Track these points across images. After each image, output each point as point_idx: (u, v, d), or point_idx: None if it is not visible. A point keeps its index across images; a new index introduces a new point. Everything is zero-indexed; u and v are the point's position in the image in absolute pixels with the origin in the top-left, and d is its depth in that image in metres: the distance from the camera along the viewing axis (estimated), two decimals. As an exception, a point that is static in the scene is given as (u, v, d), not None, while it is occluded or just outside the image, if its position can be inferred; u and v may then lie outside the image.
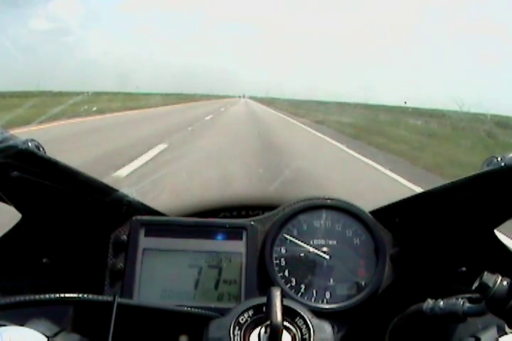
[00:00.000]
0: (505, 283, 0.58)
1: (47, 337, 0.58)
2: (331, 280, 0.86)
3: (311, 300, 0.84)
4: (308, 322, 0.66)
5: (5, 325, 0.57)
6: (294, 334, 0.65)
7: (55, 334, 0.60)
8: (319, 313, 0.71)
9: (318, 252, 0.87)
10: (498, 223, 0.82)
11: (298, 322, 0.66)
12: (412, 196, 0.88)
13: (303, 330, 0.65)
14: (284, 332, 0.63)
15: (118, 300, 0.65)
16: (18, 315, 0.61)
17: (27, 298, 0.61)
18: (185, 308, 0.72)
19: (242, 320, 0.66)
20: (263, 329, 0.64)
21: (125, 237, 0.85)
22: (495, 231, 0.84)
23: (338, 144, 10.32)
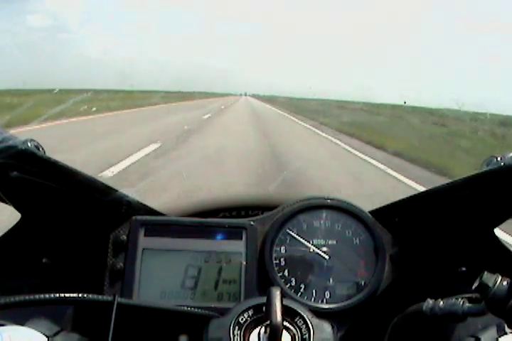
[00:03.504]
0: (505, 283, 0.57)
1: (47, 336, 0.58)
2: (331, 280, 0.86)
3: (310, 299, 0.84)
4: (308, 322, 0.66)
5: (5, 325, 0.57)
6: (294, 334, 0.65)
7: (55, 334, 0.60)
8: (319, 313, 0.71)
9: (318, 252, 0.87)
10: (497, 223, 0.82)
11: (298, 322, 0.66)
12: (412, 196, 0.88)
13: (303, 330, 0.65)
14: (284, 331, 0.63)
15: (118, 299, 0.65)
16: (18, 315, 0.61)
17: (27, 297, 0.61)
18: (185, 308, 0.72)
19: (242, 319, 0.66)
20: (263, 329, 0.64)
21: (125, 237, 0.85)
22: (494, 231, 0.84)
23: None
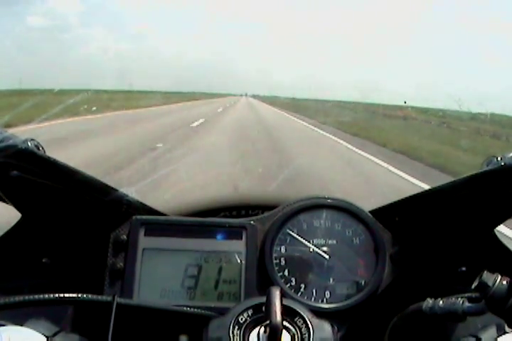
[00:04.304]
0: (504, 282, 0.58)
1: (46, 337, 0.58)
2: (331, 280, 0.86)
3: (310, 299, 0.84)
4: (308, 322, 0.66)
5: (4, 325, 0.57)
6: (294, 334, 0.65)
7: (55, 334, 0.60)
8: (319, 313, 0.71)
9: (318, 251, 0.87)
10: (497, 223, 0.82)
11: (297, 322, 0.66)
12: (412, 195, 0.88)
13: (302, 330, 0.65)
14: (284, 331, 0.63)
15: (117, 300, 0.65)
16: (18, 315, 0.61)
17: (26, 297, 0.61)
18: (185, 308, 0.72)
19: (242, 319, 0.66)
20: (262, 329, 0.64)
21: (125, 237, 0.85)
22: (494, 230, 0.84)
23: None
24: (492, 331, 0.62)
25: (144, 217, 0.88)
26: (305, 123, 16.76)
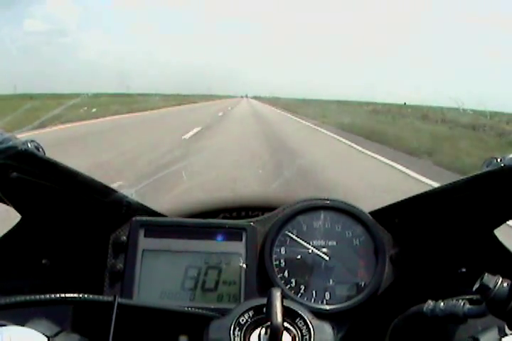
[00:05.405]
0: (505, 284, 0.57)
1: (47, 337, 0.58)
2: (331, 281, 0.86)
3: (310, 300, 0.84)
4: (309, 323, 0.66)
5: (5, 325, 0.57)
6: (294, 335, 0.64)
7: (56, 335, 0.60)
8: (319, 314, 0.71)
9: (318, 253, 0.87)
10: (497, 224, 0.82)
11: (298, 323, 0.66)
12: (412, 197, 0.88)
13: (303, 331, 0.65)
14: (284, 332, 0.63)
15: (118, 300, 0.65)
16: (19, 315, 0.61)
17: (27, 298, 0.61)
18: (186, 308, 0.72)
19: (243, 320, 0.66)
20: (263, 330, 0.64)
21: (125, 238, 0.85)
22: (494, 232, 0.84)
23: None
24: (493, 333, 0.62)
25: (144, 218, 0.88)
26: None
